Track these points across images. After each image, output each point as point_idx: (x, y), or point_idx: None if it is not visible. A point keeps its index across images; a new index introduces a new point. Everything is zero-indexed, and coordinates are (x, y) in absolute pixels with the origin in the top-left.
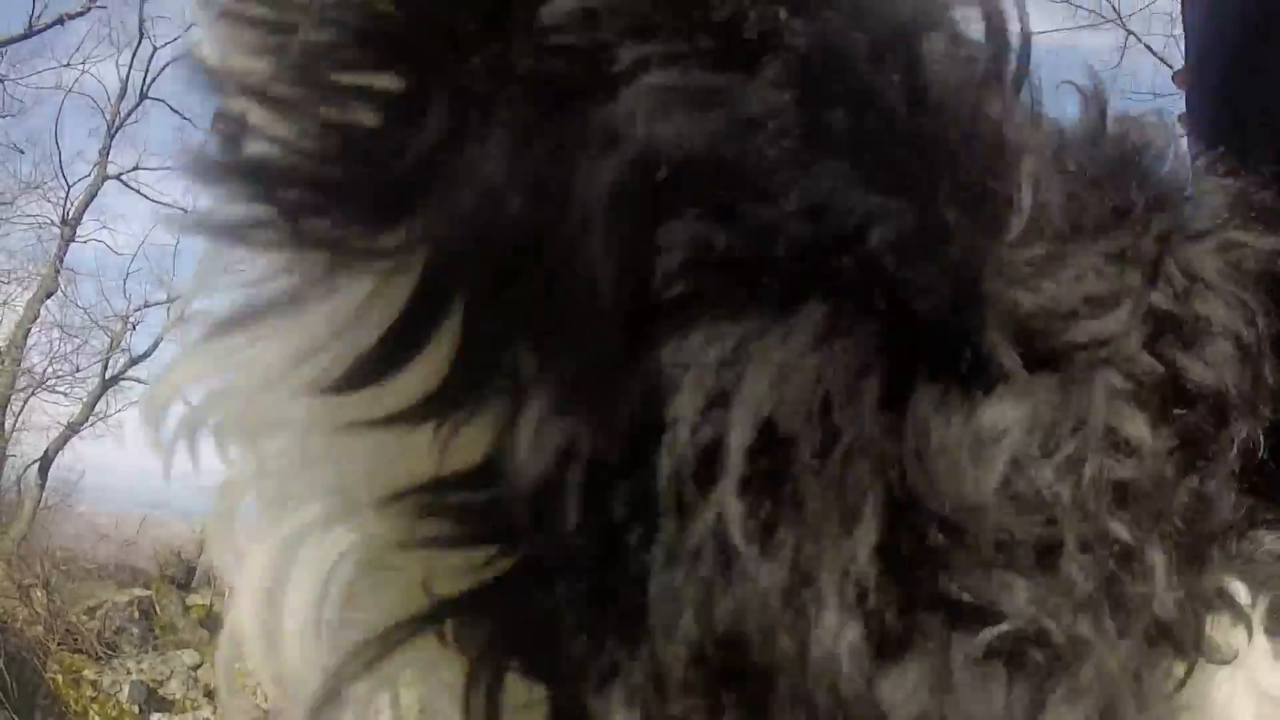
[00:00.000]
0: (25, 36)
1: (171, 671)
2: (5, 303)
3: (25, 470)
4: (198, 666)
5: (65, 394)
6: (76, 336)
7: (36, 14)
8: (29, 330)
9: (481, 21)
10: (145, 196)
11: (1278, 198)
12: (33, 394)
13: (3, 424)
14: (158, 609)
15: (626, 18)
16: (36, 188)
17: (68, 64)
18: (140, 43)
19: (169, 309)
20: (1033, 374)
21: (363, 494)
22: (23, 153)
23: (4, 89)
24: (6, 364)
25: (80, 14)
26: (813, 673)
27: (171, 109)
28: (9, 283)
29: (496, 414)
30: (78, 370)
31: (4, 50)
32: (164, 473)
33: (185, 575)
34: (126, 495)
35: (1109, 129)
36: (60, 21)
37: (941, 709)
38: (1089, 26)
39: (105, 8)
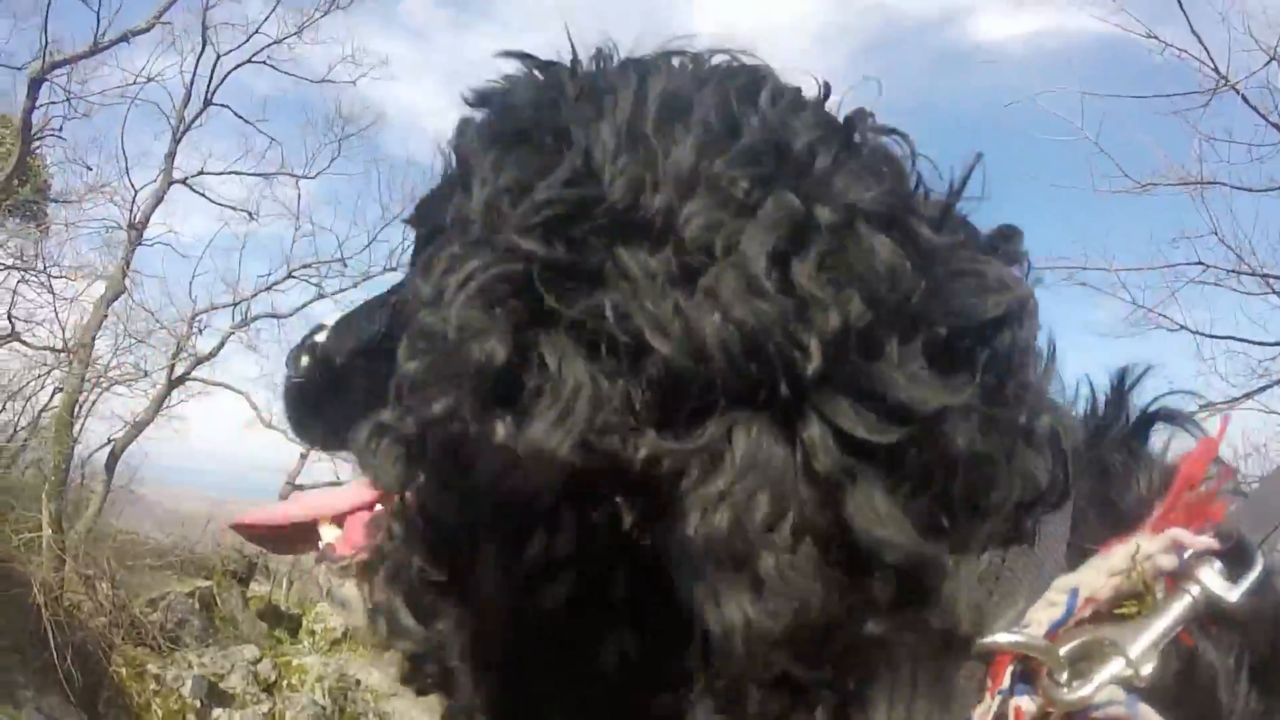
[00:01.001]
0: (91, 54)
1: (232, 666)
2: (73, 300)
3: (90, 458)
4: (258, 661)
5: (130, 386)
6: (145, 342)
7: (101, 31)
8: (96, 333)
9: None
10: (210, 200)
11: None
12: (101, 393)
13: (71, 423)
14: (218, 602)
15: None
16: (102, 188)
17: (134, 81)
18: (204, 50)
19: (233, 311)
20: None
21: None
22: (90, 169)
23: (69, 104)
24: (75, 365)
25: (144, 30)
26: None
27: (235, 114)
28: (75, 280)
29: None
30: (146, 373)
31: (71, 67)
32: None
33: (245, 569)
34: (189, 476)
35: None
36: (125, 39)
37: None
38: (1186, 95)
39: (170, 23)
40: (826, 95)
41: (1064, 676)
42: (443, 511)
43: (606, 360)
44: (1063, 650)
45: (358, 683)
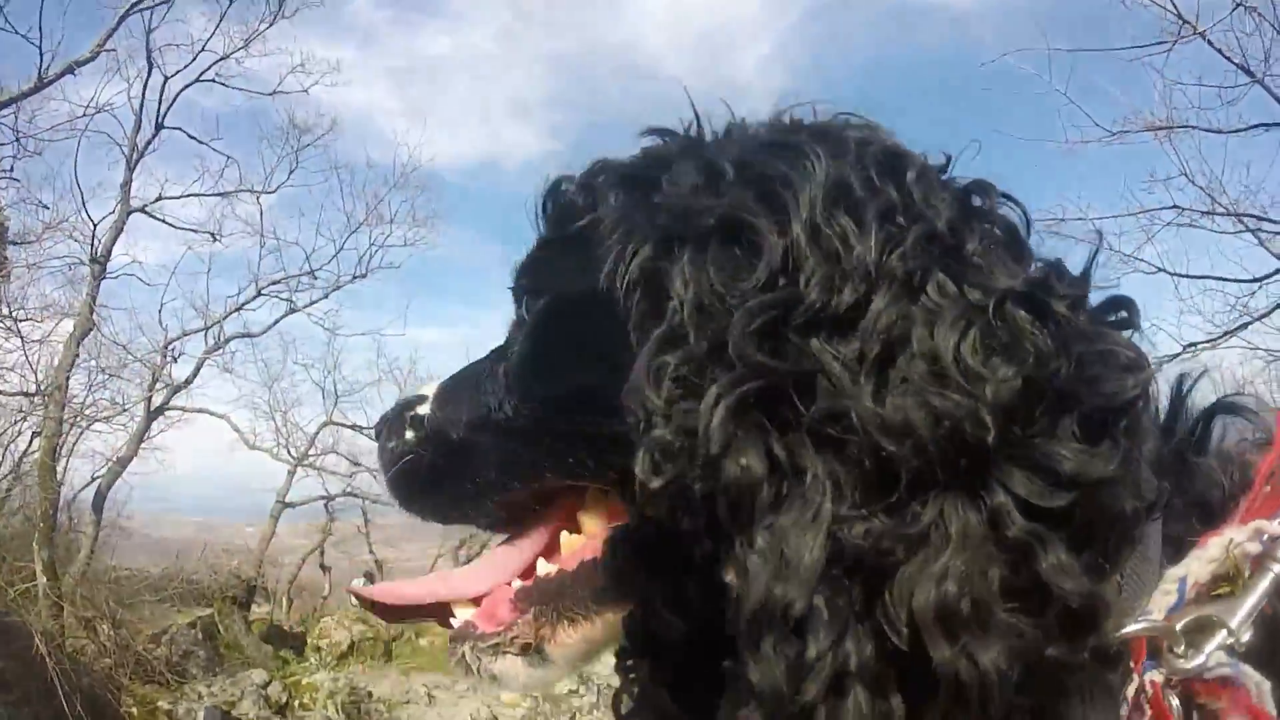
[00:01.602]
0: (36, 90)
1: (242, 692)
2: (42, 341)
3: (75, 498)
4: (267, 684)
5: (107, 420)
6: (118, 376)
7: (45, 65)
8: (69, 374)
9: None
10: (171, 225)
11: None
12: (81, 433)
13: (54, 468)
14: (220, 629)
15: None
16: (60, 225)
17: (83, 112)
18: (150, 74)
19: (205, 334)
20: None
21: None
22: (47, 208)
23: (19, 144)
24: (50, 408)
25: (88, 60)
26: None
27: (188, 135)
28: (42, 321)
29: None
30: (124, 409)
31: (18, 106)
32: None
33: (244, 593)
34: (177, 503)
35: None
36: (70, 71)
37: None
38: (1160, 44)
39: (114, 50)
40: (948, 164)
41: (1180, 649)
42: (695, 621)
43: (830, 455)
44: (1178, 628)
45: (369, 694)
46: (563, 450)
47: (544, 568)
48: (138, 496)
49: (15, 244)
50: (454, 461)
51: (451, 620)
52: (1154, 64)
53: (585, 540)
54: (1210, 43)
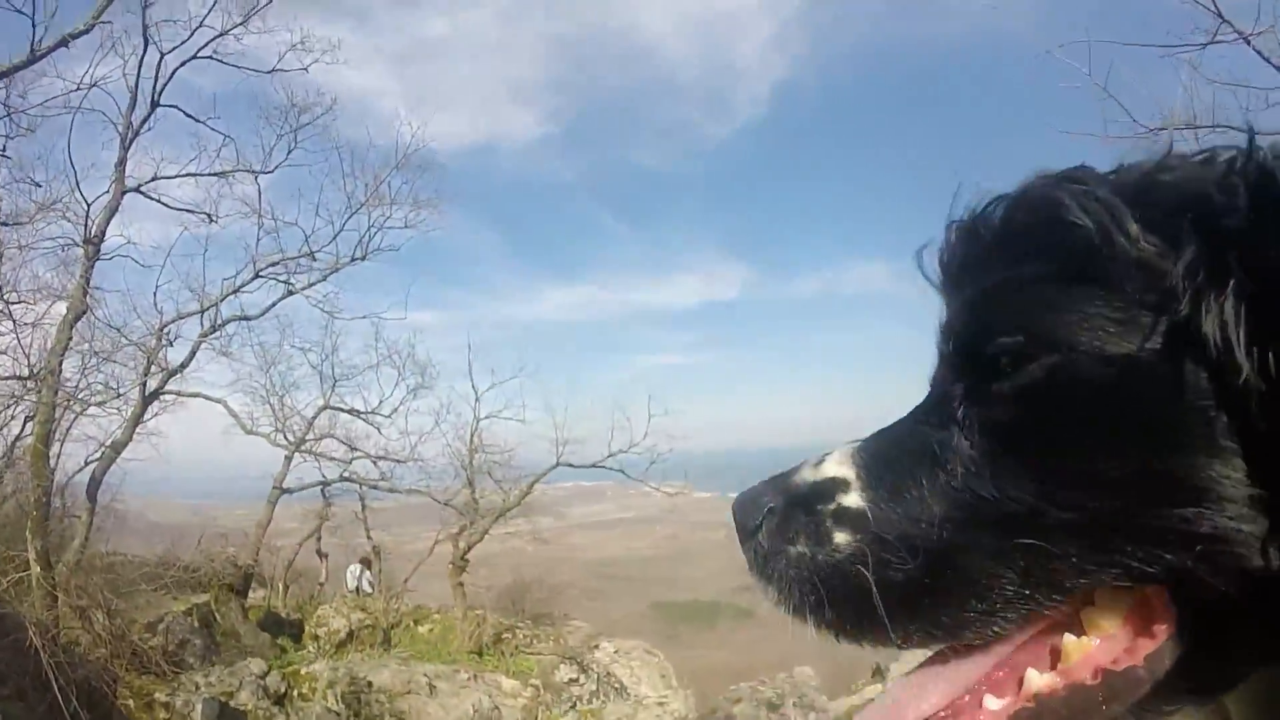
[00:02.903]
0: (29, 63)
1: (240, 682)
2: (34, 324)
3: (69, 483)
4: (265, 674)
5: (101, 404)
6: (112, 360)
7: (38, 38)
8: (62, 358)
9: None
10: (167, 206)
11: None
12: (75, 418)
13: (47, 455)
14: (217, 617)
15: None
16: (53, 205)
17: (77, 87)
18: (146, 50)
19: (201, 317)
20: None
21: None
22: (40, 185)
23: (11, 120)
24: (44, 393)
25: (84, 32)
26: None
27: (184, 114)
28: (35, 304)
29: None
30: (119, 394)
31: (10, 79)
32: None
33: (241, 580)
34: (170, 485)
35: None
36: (64, 43)
37: None
38: (1205, 44)
39: (110, 23)
40: None
41: None
42: None
43: None
44: None
45: (369, 684)
46: (1126, 550)
47: (1038, 681)
48: (132, 481)
49: (6, 225)
50: (941, 575)
51: None
52: (1189, 60)
53: (1099, 644)
54: (1253, 46)
